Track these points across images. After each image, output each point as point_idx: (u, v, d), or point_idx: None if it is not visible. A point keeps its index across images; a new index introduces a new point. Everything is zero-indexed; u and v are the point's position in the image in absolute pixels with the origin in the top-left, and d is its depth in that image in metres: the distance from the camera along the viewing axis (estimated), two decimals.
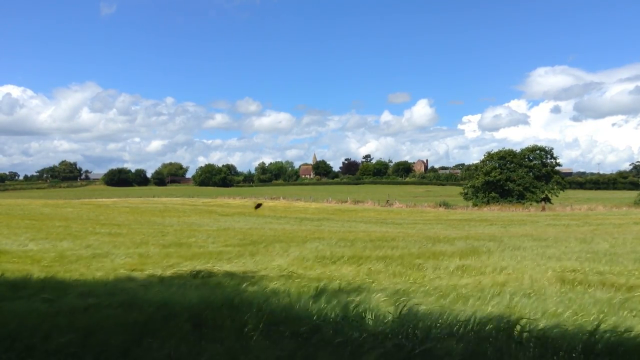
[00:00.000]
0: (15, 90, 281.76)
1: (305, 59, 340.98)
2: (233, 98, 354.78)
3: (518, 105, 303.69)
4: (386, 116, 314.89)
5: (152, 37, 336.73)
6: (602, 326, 4.39)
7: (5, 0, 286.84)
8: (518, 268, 9.59)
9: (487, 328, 4.33)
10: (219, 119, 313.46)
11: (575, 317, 5.39)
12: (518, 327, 4.35)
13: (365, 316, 4.86)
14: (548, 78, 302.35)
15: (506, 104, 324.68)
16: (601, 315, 5.46)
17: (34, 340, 4.05)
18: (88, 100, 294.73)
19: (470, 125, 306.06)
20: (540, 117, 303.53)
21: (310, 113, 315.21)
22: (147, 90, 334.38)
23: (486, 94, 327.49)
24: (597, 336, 4.09)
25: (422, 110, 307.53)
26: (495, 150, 67.38)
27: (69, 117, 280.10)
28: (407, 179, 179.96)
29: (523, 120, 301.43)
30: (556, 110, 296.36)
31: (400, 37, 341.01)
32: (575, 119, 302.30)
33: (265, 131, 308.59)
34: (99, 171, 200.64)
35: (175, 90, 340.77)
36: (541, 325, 4.60)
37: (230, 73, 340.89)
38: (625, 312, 5.84)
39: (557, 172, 66.71)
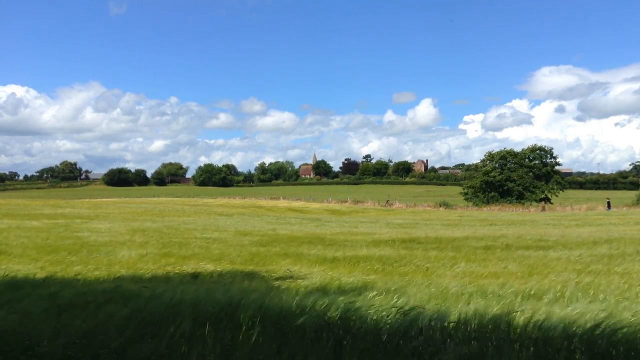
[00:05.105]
0: (19, 90, 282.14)
1: (311, 58, 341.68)
2: (237, 98, 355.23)
3: (521, 104, 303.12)
4: (389, 116, 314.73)
5: (157, 36, 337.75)
6: None
7: (9, 0, 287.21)
8: None
9: None
10: (223, 118, 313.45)
11: None
12: None
13: None
14: (553, 77, 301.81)
15: (509, 104, 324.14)
16: None
17: None
18: (92, 100, 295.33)
19: (473, 125, 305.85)
20: (544, 116, 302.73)
21: (314, 113, 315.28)
22: (151, 90, 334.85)
23: (490, 93, 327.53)
24: None
25: (425, 110, 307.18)
26: (497, 150, 67.39)
27: (72, 116, 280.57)
28: (407, 179, 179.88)
29: (526, 120, 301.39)
30: (560, 109, 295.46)
31: (405, 36, 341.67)
32: (579, 118, 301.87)
33: (268, 131, 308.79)
34: (101, 171, 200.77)
35: (179, 90, 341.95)
36: None
37: (235, 73, 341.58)
38: None
39: (557, 172, 66.63)
